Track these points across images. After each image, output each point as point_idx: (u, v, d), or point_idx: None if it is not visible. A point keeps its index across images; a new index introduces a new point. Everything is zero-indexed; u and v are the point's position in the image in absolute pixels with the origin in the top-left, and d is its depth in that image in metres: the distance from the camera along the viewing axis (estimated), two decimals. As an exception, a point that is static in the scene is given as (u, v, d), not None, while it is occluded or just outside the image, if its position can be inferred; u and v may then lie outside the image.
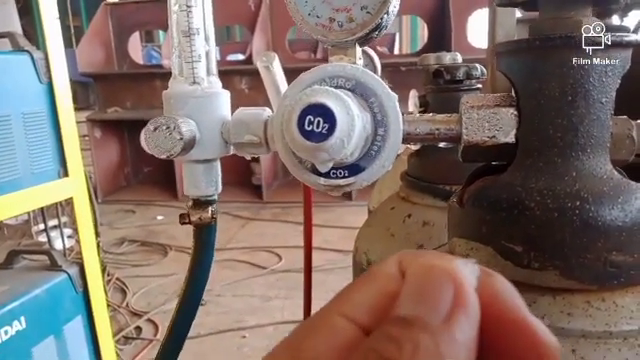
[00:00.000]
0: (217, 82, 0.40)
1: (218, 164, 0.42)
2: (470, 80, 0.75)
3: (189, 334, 0.45)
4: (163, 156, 0.36)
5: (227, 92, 0.41)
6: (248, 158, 0.42)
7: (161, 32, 7.99)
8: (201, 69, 0.39)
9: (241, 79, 3.89)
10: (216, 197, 0.42)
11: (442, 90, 0.76)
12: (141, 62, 4.91)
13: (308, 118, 0.29)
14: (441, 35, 3.88)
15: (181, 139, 0.35)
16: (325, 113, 0.29)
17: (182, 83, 0.39)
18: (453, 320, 0.15)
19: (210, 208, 0.41)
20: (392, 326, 0.15)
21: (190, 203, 0.42)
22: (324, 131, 0.29)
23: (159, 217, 3.75)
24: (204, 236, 0.43)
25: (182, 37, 0.38)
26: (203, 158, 0.40)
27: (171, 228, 3.46)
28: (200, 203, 0.41)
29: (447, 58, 0.95)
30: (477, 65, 0.75)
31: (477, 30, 3.91)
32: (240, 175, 4.23)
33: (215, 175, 0.41)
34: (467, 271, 0.16)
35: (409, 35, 10.40)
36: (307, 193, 0.77)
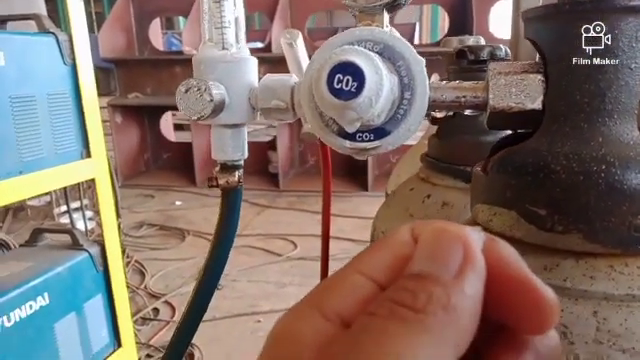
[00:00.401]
0: (245, 48, 0.41)
1: (245, 130, 0.43)
2: (494, 61, 0.74)
3: (204, 317, 0.46)
4: (194, 117, 0.36)
5: (255, 59, 0.42)
6: (275, 124, 0.42)
7: (181, 19, 8.03)
8: (230, 35, 0.40)
9: (260, 67, 3.89)
10: (242, 162, 0.43)
11: (465, 71, 0.75)
12: (162, 49, 4.95)
13: (337, 76, 0.30)
14: (462, 26, 3.83)
15: (211, 101, 0.36)
16: (354, 71, 0.30)
17: (212, 48, 0.40)
18: (463, 276, 0.16)
19: (237, 172, 0.42)
20: (407, 280, 0.17)
21: (217, 168, 0.43)
22: (353, 89, 0.30)
23: (177, 202, 3.80)
24: (231, 200, 0.44)
25: (212, 2, 0.39)
26: (231, 123, 0.41)
27: (189, 213, 3.51)
28: (227, 167, 0.42)
29: (470, 41, 0.94)
30: (501, 46, 0.74)
31: (499, 22, 3.86)
32: (257, 163, 4.26)
33: (242, 140, 0.42)
34: (474, 235, 0.18)
35: (429, 25, 10.29)
36: (327, 181, 0.77)
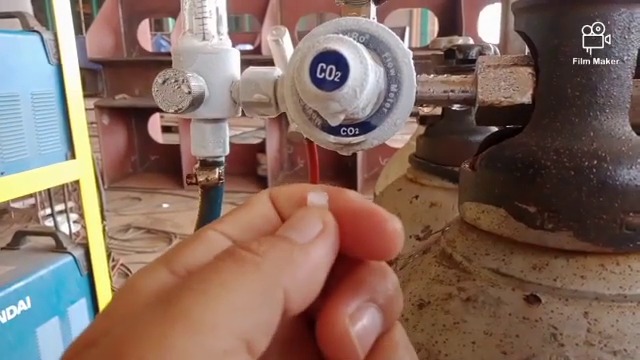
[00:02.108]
0: (227, 40, 0.40)
1: (226, 125, 0.41)
2: (483, 60, 0.73)
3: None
4: (171, 110, 0.35)
5: (237, 50, 0.40)
6: (263, 125, 0.41)
7: (171, 21, 7.99)
8: (211, 25, 0.38)
9: (249, 69, 3.87)
10: (223, 159, 0.42)
11: (454, 70, 0.74)
12: (150, 50, 4.92)
13: (320, 66, 0.28)
14: (452, 29, 3.85)
15: (189, 93, 0.35)
16: (338, 61, 0.28)
17: (191, 39, 0.38)
18: (313, 242, 0.18)
19: (217, 169, 0.41)
20: (261, 236, 0.18)
21: (197, 164, 0.41)
22: (336, 79, 0.28)
23: (164, 205, 3.76)
24: (211, 198, 0.42)
25: (193, -9, 0.37)
26: (212, 117, 0.39)
27: (176, 216, 3.47)
28: (207, 164, 0.41)
29: (459, 41, 0.93)
30: (490, 45, 0.74)
31: (488, 26, 3.89)
32: (246, 166, 4.24)
33: (223, 136, 0.41)
34: (317, 198, 0.19)
35: (419, 29, 10.34)
36: (314, 182, 0.76)
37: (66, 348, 0.16)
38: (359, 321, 0.18)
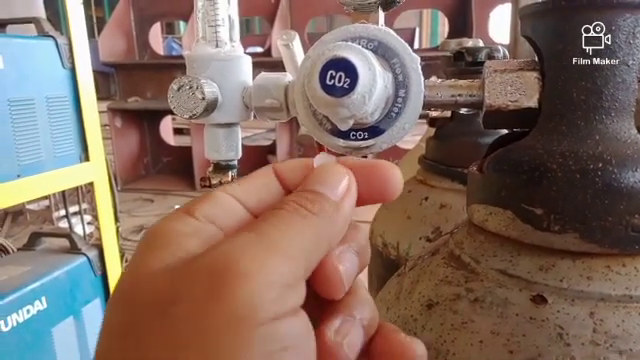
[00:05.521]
0: (239, 47, 0.41)
1: (239, 129, 0.42)
2: (491, 62, 0.74)
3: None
4: (186, 116, 0.36)
5: (249, 57, 0.41)
6: (274, 127, 0.42)
7: (182, 23, 8.05)
8: (224, 33, 0.39)
9: (260, 71, 3.89)
10: (236, 162, 0.43)
11: (463, 73, 0.75)
12: (162, 53, 4.96)
13: (330, 72, 0.29)
14: (462, 30, 3.84)
15: (203, 99, 0.36)
16: (347, 67, 0.29)
17: (205, 46, 0.39)
18: (344, 199, 0.23)
19: (230, 172, 0.42)
20: (307, 192, 0.22)
21: (211, 168, 0.42)
22: (346, 85, 0.29)
23: (177, 207, 3.76)
24: (223, 200, 0.43)
25: (206, 0, 0.38)
26: (224, 122, 0.40)
27: (188, 218, 3.50)
28: (221, 167, 0.42)
29: (469, 44, 0.94)
30: (499, 47, 0.74)
31: (498, 27, 3.87)
32: (256, 167, 4.18)
33: (235, 140, 0.42)
34: (324, 159, 0.24)
35: (429, 30, 10.31)
36: None
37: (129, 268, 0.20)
38: (343, 261, 0.22)
